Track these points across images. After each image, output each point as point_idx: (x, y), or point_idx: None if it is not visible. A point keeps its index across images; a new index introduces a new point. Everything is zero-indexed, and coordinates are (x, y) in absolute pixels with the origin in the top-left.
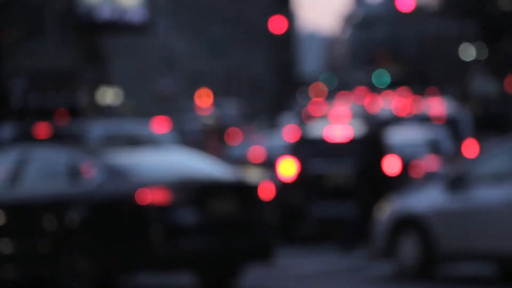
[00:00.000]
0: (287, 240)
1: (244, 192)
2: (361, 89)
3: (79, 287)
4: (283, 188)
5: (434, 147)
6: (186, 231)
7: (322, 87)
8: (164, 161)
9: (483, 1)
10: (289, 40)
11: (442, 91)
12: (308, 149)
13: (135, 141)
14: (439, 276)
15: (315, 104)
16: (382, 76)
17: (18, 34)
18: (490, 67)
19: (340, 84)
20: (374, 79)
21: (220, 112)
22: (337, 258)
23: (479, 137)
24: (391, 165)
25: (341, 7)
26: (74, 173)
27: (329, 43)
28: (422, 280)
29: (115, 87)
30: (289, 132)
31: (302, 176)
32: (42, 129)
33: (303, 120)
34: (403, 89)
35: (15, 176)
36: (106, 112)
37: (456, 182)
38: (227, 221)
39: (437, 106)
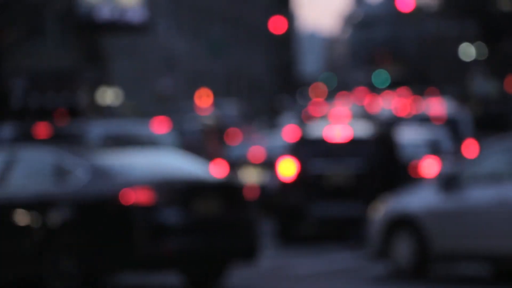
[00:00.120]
0: (287, 240)
1: (228, 192)
2: (361, 89)
3: (64, 287)
4: (283, 188)
5: (434, 148)
6: (170, 231)
7: (322, 87)
8: (149, 161)
9: (483, 1)
10: (289, 40)
11: (442, 91)
12: (308, 149)
13: (135, 141)
14: (433, 276)
15: (315, 104)
16: (382, 76)
17: (18, 34)
18: (490, 67)
19: (340, 84)
20: (374, 79)
21: (220, 112)
22: (337, 258)
23: (479, 137)
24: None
25: (341, 7)
26: (59, 173)
27: (329, 43)
28: (417, 280)
29: (115, 87)
30: (289, 132)
31: (302, 176)
32: (42, 129)
33: (303, 120)
34: (403, 89)
35: (1, 176)
36: (106, 112)
37: (450, 182)
38: (211, 221)
39: (437, 106)
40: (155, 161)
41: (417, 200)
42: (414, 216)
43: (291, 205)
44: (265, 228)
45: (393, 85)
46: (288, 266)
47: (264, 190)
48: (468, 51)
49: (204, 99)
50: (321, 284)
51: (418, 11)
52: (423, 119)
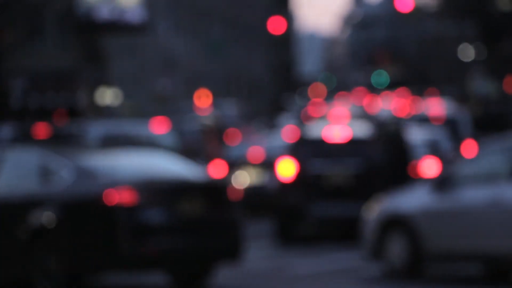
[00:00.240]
0: (286, 240)
1: (212, 192)
2: (360, 90)
3: (49, 287)
4: (282, 188)
5: (433, 148)
6: (154, 231)
7: (321, 87)
8: (134, 162)
9: (482, 1)
10: (288, 41)
11: (441, 92)
12: (307, 149)
13: (134, 142)
14: (427, 276)
15: (314, 105)
16: (381, 76)
17: (18, 34)
18: (489, 68)
19: (339, 84)
20: (373, 80)
21: (219, 113)
22: (337, 258)
23: (478, 137)
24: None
25: (340, 8)
26: (45, 173)
27: (328, 43)
28: (411, 280)
29: (115, 87)
30: (288, 133)
31: (301, 176)
32: (41, 129)
33: (302, 120)
34: (402, 90)
35: None
36: (106, 112)
37: (443, 183)
38: (195, 221)
39: (436, 106)
40: (140, 161)
41: (410, 200)
42: (407, 216)
43: (291, 205)
44: (265, 228)
45: (393, 86)
46: (287, 266)
47: (261, 190)
48: (467, 52)
49: (203, 99)
50: (321, 284)
51: (418, 11)
52: (423, 120)
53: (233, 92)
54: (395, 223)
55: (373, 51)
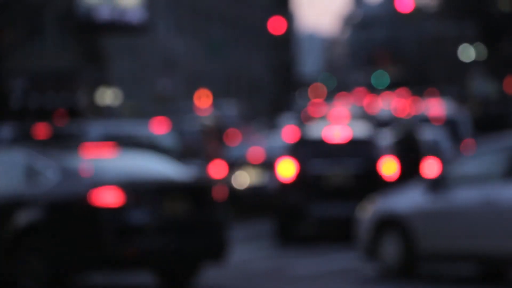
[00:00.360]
0: (286, 240)
1: (198, 192)
2: (360, 90)
3: (34, 287)
4: (282, 188)
5: (433, 148)
6: (139, 231)
7: (321, 87)
8: (120, 162)
9: (482, 1)
10: (288, 41)
11: (442, 92)
12: (307, 149)
13: (134, 142)
14: (421, 275)
15: (314, 105)
16: (381, 76)
17: (18, 34)
18: (489, 68)
19: (339, 84)
20: (373, 80)
21: (220, 113)
22: (336, 258)
23: (478, 138)
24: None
25: (341, 8)
26: (30, 174)
27: (328, 43)
28: (405, 279)
29: (115, 88)
30: (288, 133)
31: (301, 176)
32: (41, 129)
33: (302, 120)
34: (402, 90)
35: None
36: (106, 112)
37: (437, 183)
38: (180, 221)
39: (436, 107)
40: (126, 162)
41: (405, 201)
42: (401, 216)
43: (291, 205)
44: (265, 228)
45: (393, 86)
46: (287, 266)
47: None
48: (467, 52)
49: (203, 100)
50: (321, 284)
51: (418, 12)
52: (423, 120)
53: (233, 92)
54: (389, 223)
55: (373, 51)
